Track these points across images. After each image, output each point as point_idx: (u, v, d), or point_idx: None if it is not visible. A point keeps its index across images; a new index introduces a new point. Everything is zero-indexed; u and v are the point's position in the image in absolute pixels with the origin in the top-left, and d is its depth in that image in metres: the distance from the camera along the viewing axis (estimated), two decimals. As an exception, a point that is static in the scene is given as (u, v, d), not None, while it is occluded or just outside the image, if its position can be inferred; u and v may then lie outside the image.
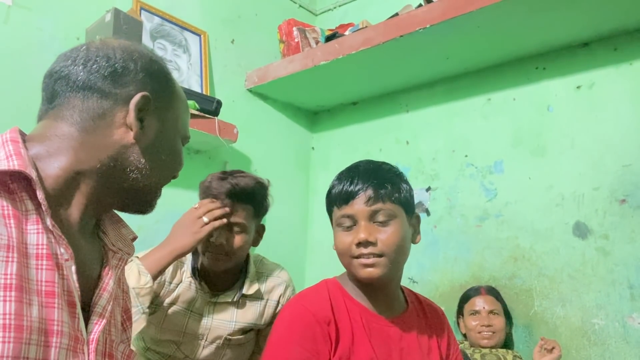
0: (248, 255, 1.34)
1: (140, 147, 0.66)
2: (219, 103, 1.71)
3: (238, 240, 1.22)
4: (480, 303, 1.47)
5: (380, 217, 0.93)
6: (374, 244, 0.92)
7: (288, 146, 2.17)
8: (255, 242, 1.33)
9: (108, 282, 0.65)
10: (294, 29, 2.00)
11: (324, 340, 0.90)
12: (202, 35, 1.88)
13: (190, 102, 1.62)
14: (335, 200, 0.97)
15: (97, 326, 0.61)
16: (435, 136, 1.85)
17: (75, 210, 0.63)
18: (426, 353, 0.99)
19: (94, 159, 0.63)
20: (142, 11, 1.71)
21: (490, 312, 1.45)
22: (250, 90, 2.04)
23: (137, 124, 0.65)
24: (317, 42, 2.00)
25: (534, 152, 1.60)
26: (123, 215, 0.77)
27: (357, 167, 0.99)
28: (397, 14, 1.66)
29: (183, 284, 1.27)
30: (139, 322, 1.06)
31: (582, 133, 1.52)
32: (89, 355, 0.58)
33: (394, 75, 1.86)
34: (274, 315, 1.34)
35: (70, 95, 0.64)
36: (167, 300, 1.26)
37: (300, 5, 2.30)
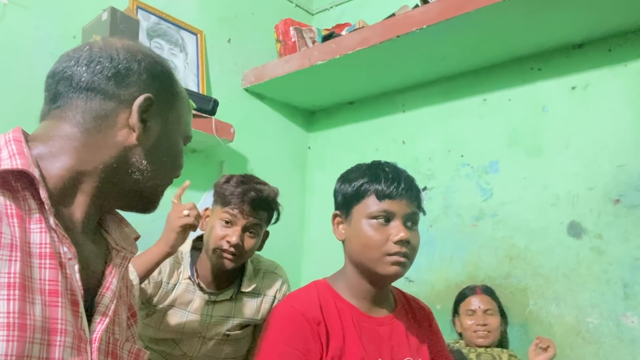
0: None
1: (143, 148, 0.66)
2: (216, 102, 1.71)
3: (250, 242, 1.26)
4: (476, 302, 1.48)
5: (413, 221, 0.98)
6: (409, 244, 0.95)
7: (284, 145, 2.17)
8: (260, 247, 1.35)
9: (112, 280, 0.65)
10: (291, 28, 2.00)
11: (314, 339, 0.91)
12: (198, 35, 1.88)
13: (187, 102, 1.61)
14: (378, 193, 0.97)
15: (100, 325, 0.61)
16: (432, 136, 1.86)
17: (78, 209, 0.63)
18: (415, 350, 1.01)
19: (97, 159, 0.63)
20: (139, 10, 1.71)
21: (486, 311, 1.46)
22: (247, 90, 2.04)
23: (140, 125, 0.64)
24: (313, 42, 2.00)
25: (530, 152, 1.61)
26: (124, 213, 0.77)
27: (397, 169, 1.02)
28: (393, 14, 1.67)
29: (180, 285, 1.28)
30: None
31: (577, 133, 1.53)
32: (91, 355, 0.58)
33: (390, 75, 1.87)
34: (270, 311, 1.35)
35: (73, 96, 0.64)
36: (166, 303, 1.26)
37: (296, 5, 2.31)
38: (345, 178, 1.04)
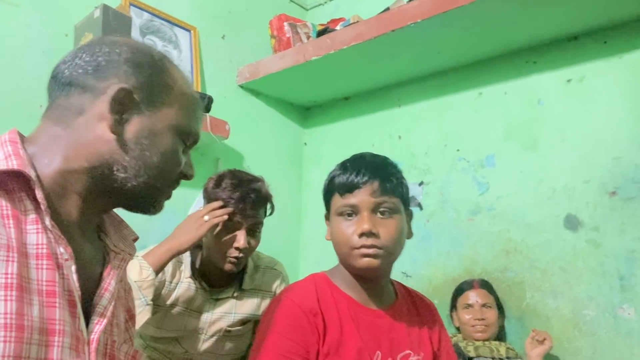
0: None
1: (122, 143, 0.62)
2: (210, 99, 1.70)
3: (255, 242, 1.28)
4: (473, 296, 1.48)
5: (384, 210, 0.94)
6: (376, 235, 0.92)
7: (280, 142, 2.16)
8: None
9: (110, 282, 0.65)
10: (285, 24, 1.99)
11: (312, 331, 0.91)
12: (192, 31, 1.87)
13: (182, 99, 1.60)
14: (339, 188, 0.96)
15: (98, 326, 0.60)
16: (427, 130, 1.85)
17: (73, 210, 0.62)
18: (416, 344, 1.00)
19: (82, 157, 0.61)
20: (132, 7, 1.69)
21: (483, 305, 1.46)
22: (241, 86, 2.03)
23: (111, 117, 0.61)
24: (308, 37, 1.99)
25: (525, 146, 1.61)
26: (123, 214, 0.77)
27: (363, 158, 0.99)
28: (388, 9, 1.66)
29: (182, 284, 1.28)
30: (143, 314, 1.10)
31: (573, 126, 1.53)
32: (89, 355, 0.58)
33: (385, 70, 1.86)
34: None
35: (56, 94, 0.64)
36: (168, 302, 1.26)
37: (291, 0, 2.29)
38: (327, 177, 1.04)
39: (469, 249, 1.67)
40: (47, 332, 0.53)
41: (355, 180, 0.94)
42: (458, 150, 1.76)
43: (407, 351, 0.98)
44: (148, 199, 0.67)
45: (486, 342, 1.43)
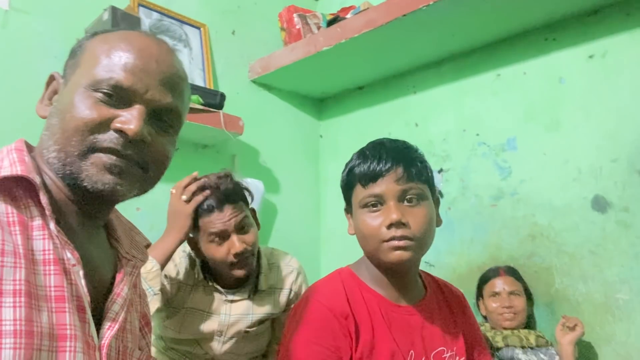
0: (259, 250, 1.33)
1: (45, 125, 0.62)
2: (223, 96, 1.69)
3: (251, 236, 1.23)
4: (500, 284, 1.44)
5: (411, 197, 0.88)
6: (406, 225, 0.86)
7: (295, 135, 2.14)
8: (257, 226, 1.30)
9: (122, 288, 0.64)
10: (295, 15, 1.96)
11: (343, 335, 0.86)
12: (202, 28, 1.86)
13: (194, 97, 1.60)
14: (360, 178, 0.90)
15: (110, 331, 0.60)
16: (445, 116, 1.81)
17: (74, 214, 0.61)
18: (449, 340, 0.96)
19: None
20: (140, 7, 1.69)
21: (511, 292, 1.42)
22: (254, 81, 2.01)
23: (41, 102, 0.64)
24: (318, 28, 1.96)
25: (548, 127, 1.56)
26: (133, 219, 0.76)
27: (382, 144, 0.93)
28: (399, -7, 1.62)
29: (198, 286, 1.27)
30: (152, 303, 1.10)
31: (597, 104, 1.47)
32: None
33: (399, 56, 1.82)
34: (287, 303, 1.34)
35: None
36: (185, 305, 1.26)
37: (299, -9, 2.26)
38: (343, 169, 0.98)
39: (493, 236, 1.63)
40: (57, 337, 0.52)
41: (378, 168, 0.88)
42: (477, 134, 1.71)
43: (441, 348, 0.93)
44: (71, 169, 0.58)
45: (515, 331, 1.39)
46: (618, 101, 1.43)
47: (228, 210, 1.18)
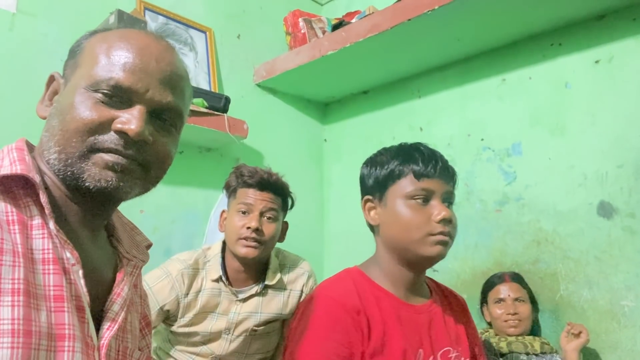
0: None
1: (45, 125, 0.62)
2: (227, 100, 1.69)
3: (270, 228, 1.27)
4: (505, 291, 1.43)
5: (450, 200, 0.96)
6: (451, 223, 0.92)
7: (300, 139, 2.15)
8: (281, 238, 1.35)
9: (123, 288, 0.64)
10: (300, 19, 1.97)
11: (356, 330, 0.86)
12: (207, 32, 1.86)
13: (199, 100, 1.60)
14: (416, 172, 0.94)
15: (109, 331, 0.59)
16: (450, 121, 1.81)
17: (74, 213, 0.61)
18: (455, 341, 0.97)
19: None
20: (146, 11, 1.70)
21: (516, 299, 1.41)
22: (259, 85, 2.02)
23: (41, 102, 0.64)
24: (323, 32, 1.97)
25: (553, 132, 1.55)
26: (137, 221, 0.76)
27: (429, 147, 1.00)
28: (404, -2, 1.62)
29: (205, 291, 1.27)
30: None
31: (603, 109, 1.46)
32: None
33: (404, 61, 1.82)
34: (297, 305, 1.34)
35: None
36: (193, 312, 1.26)
37: (305, -4, 2.27)
38: (374, 161, 1.02)
39: (497, 241, 1.62)
40: (55, 337, 0.52)
41: (436, 166, 0.94)
42: (482, 139, 1.71)
43: (447, 347, 0.95)
44: (72, 170, 0.58)
45: (519, 337, 1.38)
46: (624, 106, 1.42)
47: (266, 195, 1.27)
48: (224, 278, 1.28)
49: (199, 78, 1.78)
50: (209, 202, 1.77)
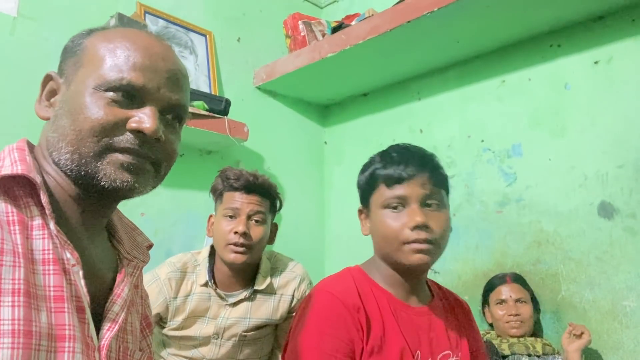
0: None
1: (49, 125, 0.62)
2: (228, 102, 1.70)
3: (258, 231, 1.26)
4: (506, 292, 1.43)
5: (432, 203, 0.91)
6: (429, 228, 0.88)
7: (300, 142, 2.15)
8: (271, 240, 1.34)
9: (123, 288, 0.64)
10: (300, 22, 1.98)
11: (356, 327, 0.86)
12: (207, 35, 1.87)
13: (199, 103, 1.60)
14: (386, 179, 0.91)
15: (109, 332, 0.59)
16: (450, 122, 1.81)
17: (75, 214, 0.61)
18: (455, 345, 0.96)
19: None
20: (146, 14, 1.70)
21: (518, 300, 1.41)
22: (259, 88, 2.02)
23: (39, 102, 0.63)
24: (323, 35, 1.97)
25: (553, 133, 1.55)
26: (138, 224, 0.76)
27: (407, 149, 0.96)
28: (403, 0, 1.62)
29: (194, 295, 1.27)
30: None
31: (603, 110, 1.46)
32: None
33: (403, 63, 1.82)
34: (290, 310, 1.33)
35: None
36: (182, 316, 1.26)
37: (304, -1, 2.28)
38: (362, 169, 1.00)
39: (498, 242, 1.62)
40: (55, 338, 0.52)
41: (405, 170, 0.90)
42: (482, 141, 1.71)
43: (447, 351, 0.93)
44: (86, 170, 0.58)
45: (521, 339, 1.38)
46: (624, 107, 1.42)
47: (253, 198, 1.26)
48: (211, 283, 1.27)
49: (199, 81, 1.78)
50: (210, 205, 1.76)
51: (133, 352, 0.66)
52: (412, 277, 0.95)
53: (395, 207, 0.90)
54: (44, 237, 0.55)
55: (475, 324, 1.08)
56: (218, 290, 1.28)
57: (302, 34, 1.96)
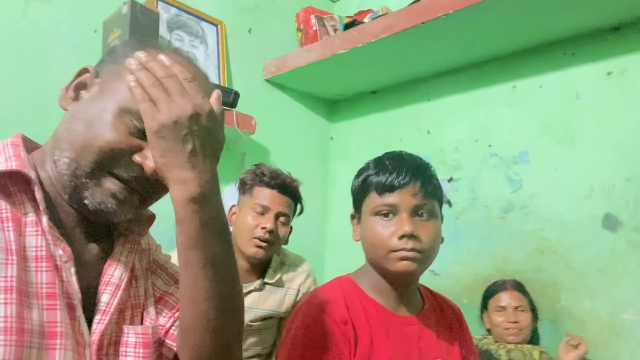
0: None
1: (65, 117, 0.61)
2: (237, 95, 1.68)
3: (282, 231, 1.30)
4: (506, 299, 1.43)
5: (423, 212, 0.91)
6: (417, 238, 0.88)
7: (306, 136, 2.14)
8: (285, 241, 1.38)
9: (112, 274, 0.63)
10: (312, 17, 1.96)
11: (343, 341, 0.87)
12: (219, 25, 1.86)
13: (208, 94, 1.60)
14: (378, 186, 0.92)
15: (100, 325, 0.59)
16: (458, 125, 1.80)
17: (70, 210, 0.61)
18: (445, 353, 0.96)
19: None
20: (159, 2, 1.69)
21: (517, 307, 1.41)
22: (268, 81, 2.01)
23: (66, 93, 0.63)
24: (335, 30, 1.96)
25: (562, 142, 1.55)
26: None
27: (402, 157, 0.96)
28: (418, 0, 1.61)
29: None
30: None
31: (613, 121, 1.45)
32: (90, 358, 0.57)
33: (414, 63, 1.81)
34: (294, 304, 1.35)
35: None
36: None
37: (317, -7, 2.26)
38: (356, 174, 1.00)
39: (500, 248, 1.62)
40: (47, 335, 0.52)
41: (397, 179, 0.90)
42: (490, 145, 1.70)
43: (438, 359, 0.95)
44: (77, 182, 0.58)
45: (518, 346, 1.38)
46: (634, 119, 1.42)
47: (284, 199, 1.30)
48: None
49: (208, 71, 1.77)
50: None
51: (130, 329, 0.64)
52: (401, 285, 0.95)
53: (385, 215, 0.91)
54: (37, 234, 0.55)
55: (467, 328, 1.08)
56: None
57: (314, 28, 1.95)
